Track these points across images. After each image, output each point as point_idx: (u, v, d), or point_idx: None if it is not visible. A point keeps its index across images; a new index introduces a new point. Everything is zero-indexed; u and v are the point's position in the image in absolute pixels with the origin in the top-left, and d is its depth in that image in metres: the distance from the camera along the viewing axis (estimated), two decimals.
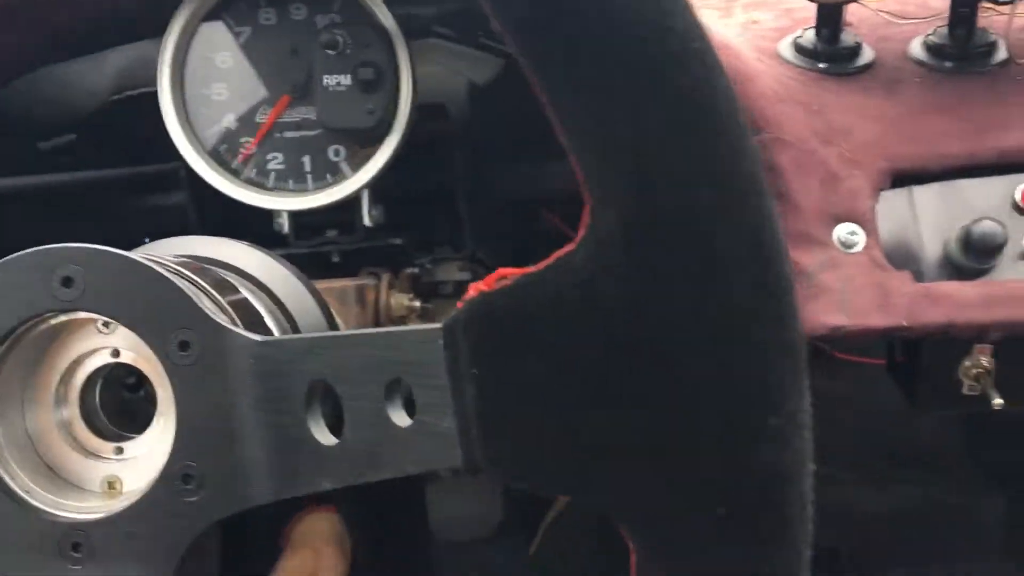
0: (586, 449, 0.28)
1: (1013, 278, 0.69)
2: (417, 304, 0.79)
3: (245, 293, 0.49)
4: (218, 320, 0.38)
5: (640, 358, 0.26)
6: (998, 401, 0.70)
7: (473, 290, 0.30)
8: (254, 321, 0.48)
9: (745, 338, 0.26)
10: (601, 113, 0.25)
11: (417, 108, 0.90)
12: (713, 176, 0.26)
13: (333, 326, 0.59)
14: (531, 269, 0.28)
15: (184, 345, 0.38)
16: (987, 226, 0.69)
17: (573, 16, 0.25)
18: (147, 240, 0.97)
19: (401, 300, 0.78)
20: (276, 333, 0.50)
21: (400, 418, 0.34)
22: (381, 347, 0.34)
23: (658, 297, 0.26)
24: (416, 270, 0.84)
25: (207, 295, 0.42)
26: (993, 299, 0.68)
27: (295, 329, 0.54)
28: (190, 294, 0.39)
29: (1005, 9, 0.79)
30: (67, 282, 0.38)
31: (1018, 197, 0.71)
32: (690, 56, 0.26)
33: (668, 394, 0.26)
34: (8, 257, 0.39)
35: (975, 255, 0.70)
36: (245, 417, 0.36)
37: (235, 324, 0.43)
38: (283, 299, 0.54)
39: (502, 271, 0.30)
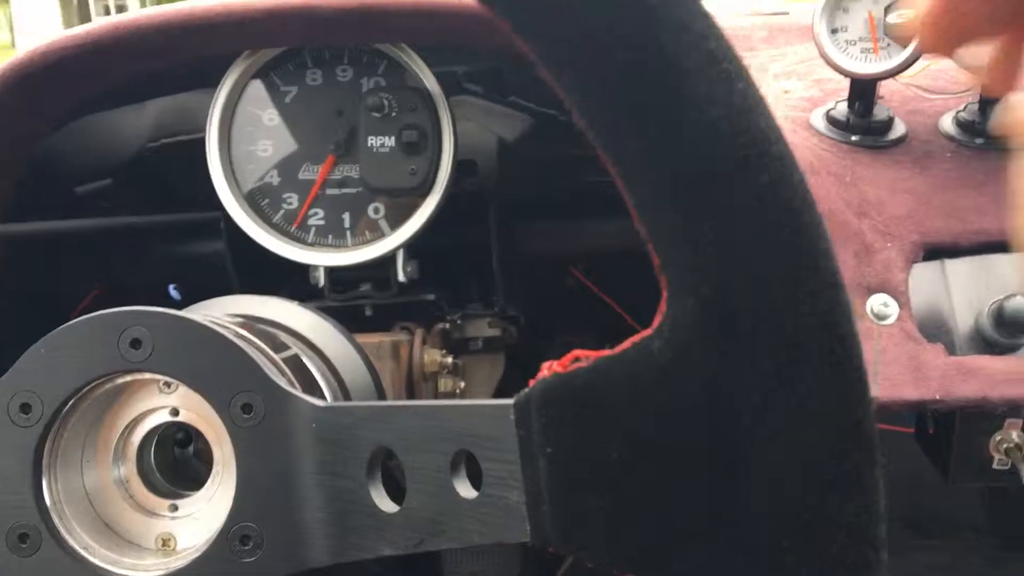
0: (659, 531, 0.28)
1: None
2: (449, 360, 0.80)
3: (298, 352, 0.50)
4: (280, 384, 0.39)
5: (716, 446, 0.27)
6: None
7: (546, 370, 0.30)
8: (307, 380, 0.49)
9: (822, 431, 0.27)
10: (686, 211, 0.26)
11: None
12: (793, 273, 0.27)
13: (378, 384, 0.60)
14: (608, 352, 0.29)
15: (247, 408, 0.39)
16: (1020, 302, 0.70)
17: (654, 120, 0.26)
18: (173, 287, 0.99)
19: (434, 356, 0.79)
20: (327, 392, 0.51)
21: (465, 489, 0.34)
22: (448, 419, 0.35)
23: (736, 388, 0.27)
24: (447, 326, 0.85)
25: (267, 357, 0.43)
26: None
27: (343, 387, 0.55)
28: (253, 357, 0.40)
29: None
30: (136, 344, 0.39)
31: None
32: (770, 157, 0.27)
33: (743, 483, 0.27)
34: (78, 319, 0.40)
35: (1007, 330, 0.70)
36: (306, 480, 0.37)
37: (293, 386, 0.43)
38: (332, 358, 0.55)
39: (577, 352, 0.30)
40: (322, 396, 0.50)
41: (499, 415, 0.33)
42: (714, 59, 0.26)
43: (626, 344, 0.29)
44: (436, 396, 0.81)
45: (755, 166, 0.26)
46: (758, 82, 0.88)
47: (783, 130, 0.76)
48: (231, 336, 0.40)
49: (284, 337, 0.51)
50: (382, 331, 0.82)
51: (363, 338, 0.77)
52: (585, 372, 0.30)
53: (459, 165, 0.98)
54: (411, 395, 0.78)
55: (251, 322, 0.51)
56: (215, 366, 0.40)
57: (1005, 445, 0.73)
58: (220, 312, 0.52)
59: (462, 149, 0.99)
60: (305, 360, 0.50)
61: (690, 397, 0.27)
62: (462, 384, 0.82)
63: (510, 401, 0.33)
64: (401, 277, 0.82)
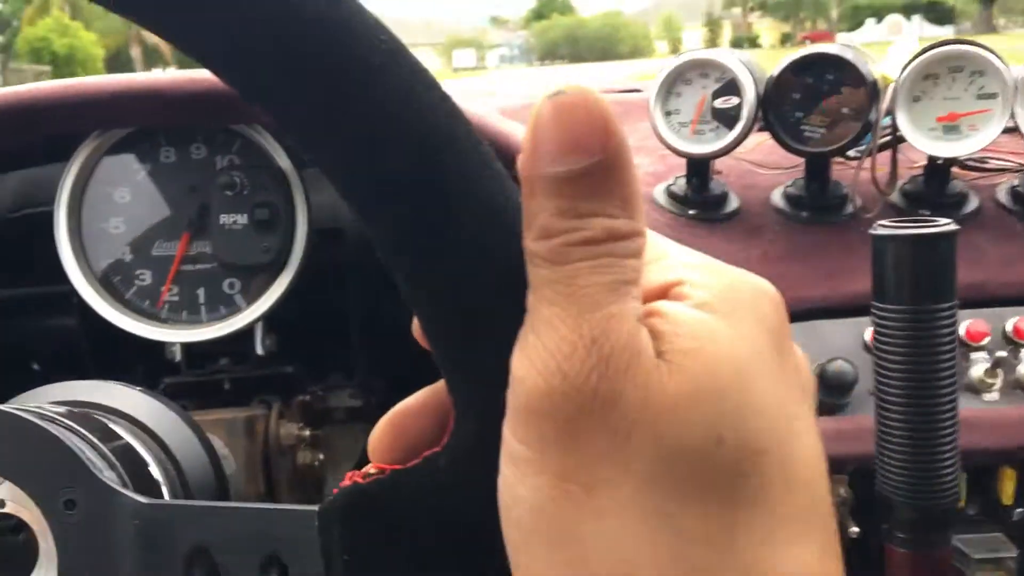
0: None
1: (863, 413, 0.75)
2: (307, 433, 0.80)
3: (130, 439, 0.51)
4: (104, 479, 0.40)
5: (490, 556, 0.29)
6: (854, 530, 0.75)
7: (348, 479, 0.32)
8: (139, 471, 0.49)
9: None
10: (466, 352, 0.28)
11: (316, 232, 0.93)
12: None
13: (218, 467, 0.60)
14: (402, 467, 0.31)
15: (70, 504, 0.39)
16: (840, 366, 0.75)
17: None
18: (36, 366, 0.97)
19: (290, 430, 0.79)
20: (162, 480, 0.51)
21: None
22: (259, 522, 0.36)
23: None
24: (308, 398, 0.86)
25: (93, 448, 0.44)
26: (845, 434, 0.74)
27: (181, 474, 0.55)
28: (77, 452, 0.40)
29: (855, 164, 0.87)
30: None
31: (867, 338, 0.78)
32: None
33: None
34: None
35: (830, 392, 0.76)
36: None
37: (121, 478, 0.44)
38: (169, 444, 0.55)
39: (377, 464, 0.32)
40: (156, 486, 0.50)
41: (306, 519, 0.34)
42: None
43: (419, 459, 0.31)
44: (295, 470, 0.81)
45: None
46: None
47: None
48: (54, 429, 0.41)
49: (117, 425, 0.51)
50: (241, 405, 0.82)
51: (217, 414, 0.78)
52: (380, 483, 0.32)
53: (323, 234, 0.99)
54: (268, 471, 0.78)
55: (82, 410, 0.51)
56: (38, 461, 0.40)
57: (834, 500, 0.77)
58: (47, 400, 0.52)
59: (327, 218, 1.01)
60: (138, 448, 0.50)
61: (468, 512, 0.29)
62: (321, 456, 0.83)
63: (315, 508, 0.34)
64: (259, 350, 0.82)
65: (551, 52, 60.74)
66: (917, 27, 50.81)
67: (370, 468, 0.33)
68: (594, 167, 0.23)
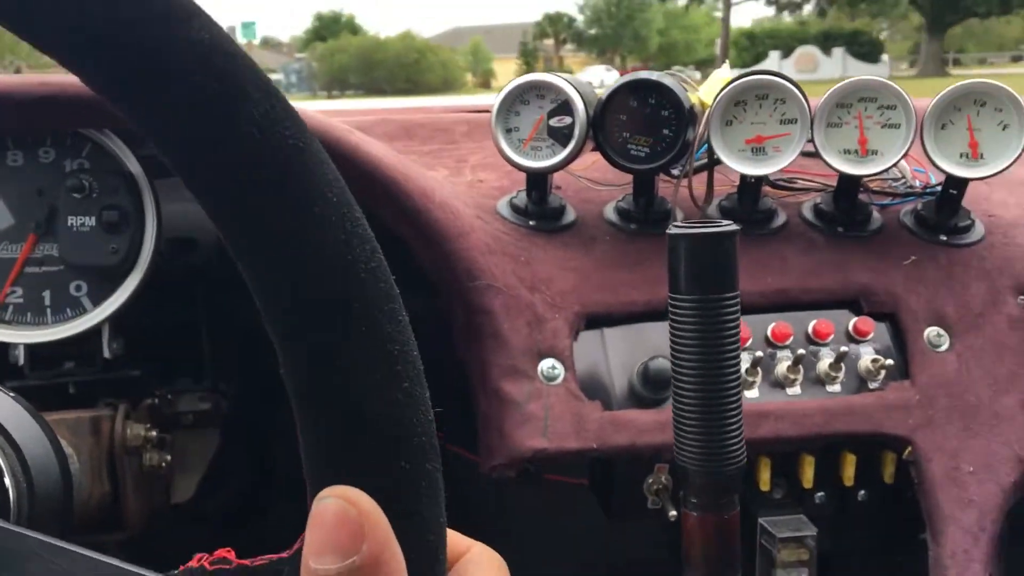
0: None
1: None
2: (154, 434, 0.82)
3: None
4: None
5: None
6: (673, 513, 0.82)
7: (196, 561, 0.34)
8: None
9: None
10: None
11: (168, 242, 0.94)
12: None
13: (63, 463, 0.62)
14: (249, 563, 0.33)
15: None
16: (660, 363, 0.82)
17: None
18: None
19: (137, 431, 0.80)
20: (8, 478, 0.52)
21: None
22: (94, 574, 0.34)
23: None
24: (155, 401, 0.87)
25: None
26: (666, 424, 0.81)
27: (27, 471, 0.56)
28: None
29: (677, 181, 0.96)
30: None
31: None
32: None
33: None
34: None
35: (652, 387, 0.83)
36: None
37: None
38: (18, 439, 0.56)
39: (223, 552, 0.34)
40: (2, 486, 0.51)
41: None
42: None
43: (264, 559, 0.33)
44: (141, 471, 0.82)
45: None
46: (458, 172, 0.98)
47: (469, 216, 0.85)
48: None
49: None
50: (87, 408, 0.82)
51: (62, 414, 0.78)
52: (223, 574, 0.33)
53: (177, 242, 1.01)
54: (112, 471, 0.79)
55: None
56: None
57: (656, 487, 0.85)
58: None
59: (181, 227, 1.02)
60: None
61: None
62: (168, 458, 0.84)
63: None
64: (106, 354, 0.83)
65: (340, 81, 47.37)
66: (839, 64, 39.80)
67: (220, 554, 0.34)
68: (348, 569, 0.26)
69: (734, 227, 0.55)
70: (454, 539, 0.33)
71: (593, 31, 54.31)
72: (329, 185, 0.29)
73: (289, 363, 0.30)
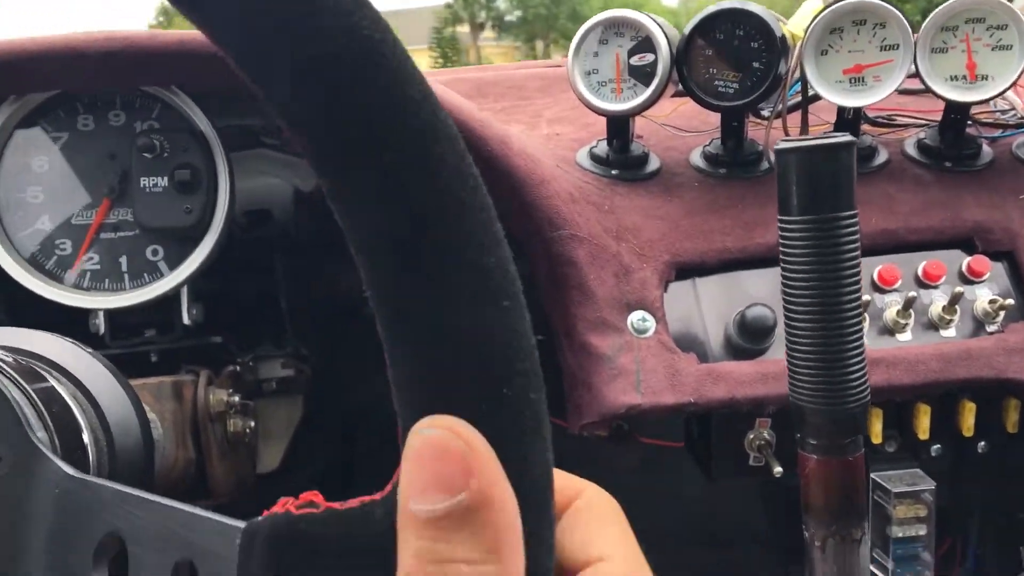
0: None
1: (782, 357, 0.77)
2: (236, 399, 0.80)
3: (68, 399, 0.50)
4: (35, 440, 0.39)
5: None
6: (778, 470, 0.77)
7: (280, 506, 0.32)
8: (72, 436, 0.48)
9: None
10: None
11: (244, 214, 0.92)
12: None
13: (145, 425, 0.60)
14: (339, 506, 0.30)
15: None
16: (759, 311, 0.77)
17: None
18: None
19: (220, 396, 0.78)
20: (91, 447, 0.50)
21: None
22: (180, 524, 0.34)
23: None
24: (237, 368, 0.85)
25: (32, 405, 0.43)
26: (767, 376, 0.76)
27: (108, 433, 0.54)
28: (14, 406, 0.39)
29: (767, 123, 0.90)
30: None
31: None
32: None
33: None
34: None
35: (750, 337, 0.78)
36: (34, 548, 0.36)
37: (52, 440, 0.43)
38: (100, 400, 0.54)
39: (310, 495, 0.32)
40: (84, 453, 0.50)
41: (228, 535, 0.33)
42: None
43: (355, 502, 0.30)
44: (226, 437, 0.80)
45: None
46: (533, 127, 0.94)
47: (548, 165, 0.81)
48: None
49: (57, 383, 0.51)
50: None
51: (145, 380, 0.77)
52: (311, 519, 0.30)
53: (254, 214, 0.99)
54: (196, 437, 0.77)
55: (27, 362, 0.50)
56: None
57: (757, 442, 0.80)
58: None
59: (258, 199, 1.01)
60: (75, 411, 0.50)
61: (393, 567, 0.28)
62: (252, 424, 0.82)
63: (242, 524, 0.33)
64: (186, 320, 0.81)
65: None
66: None
67: (306, 497, 0.32)
68: (455, 508, 0.22)
69: (849, 138, 0.50)
70: (564, 481, 0.29)
71: (519, 12, 42.67)
72: (413, 77, 0.26)
73: (375, 279, 0.27)
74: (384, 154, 0.26)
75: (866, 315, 0.79)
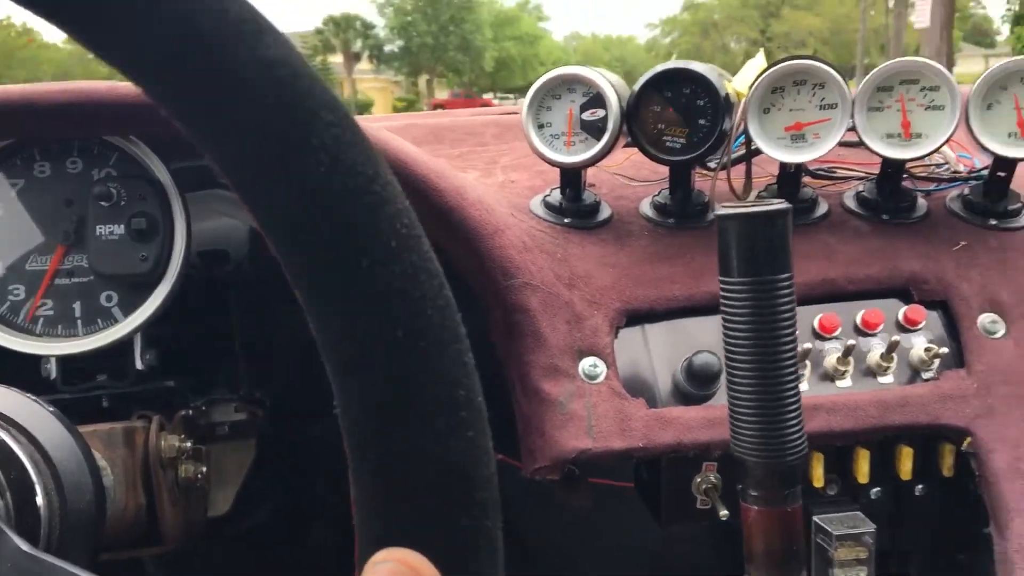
0: None
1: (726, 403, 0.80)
2: (188, 445, 0.80)
3: (23, 459, 0.51)
4: None
5: None
6: (724, 513, 0.79)
7: None
8: (26, 501, 0.49)
9: None
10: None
11: (199, 255, 0.93)
12: None
13: (98, 481, 0.60)
14: None
15: None
16: (705, 358, 0.80)
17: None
18: None
19: (172, 442, 0.79)
20: (43, 511, 0.51)
21: None
22: None
23: None
24: (190, 412, 0.85)
25: None
26: (713, 421, 0.78)
27: (59, 485, 0.54)
28: None
29: (714, 175, 0.93)
30: None
31: None
32: None
33: None
34: None
35: (697, 383, 0.80)
36: None
37: (7, 508, 0.44)
38: (50, 452, 0.54)
39: None
40: (37, 519, 0.50)
41: None
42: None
43: None
44: (177, 483, 0.80)
45: None
46: (489, 174, 0.96)
47: (504, 214, 0.83)
48: None
49: (7, 432, 0.51)
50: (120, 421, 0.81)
51: (95, 427, 0.77)
52: None
53: (209, 255, 1.00)
54: (147, 483, 0.77)
55: None
56: None
57: (704, 486, 0.82)
58: None
59: (213, 240, 1.01)
60: (24, 461, 0.50)
61: None
62: (204, 469, 0.82)
63: None
64: (139, 365, 0.82)
65: None
66: None
67: None
68: None
69: (785, 205, 0.53)
70: None
71: (400, 42, 37.55)
72: (400, 216, 0.28)
73: (345, 403, 0.28)
74: (366, 292, 0.27)
75: (807, 362, 0.82)
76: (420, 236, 0.28)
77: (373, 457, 0.27)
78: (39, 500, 0.52)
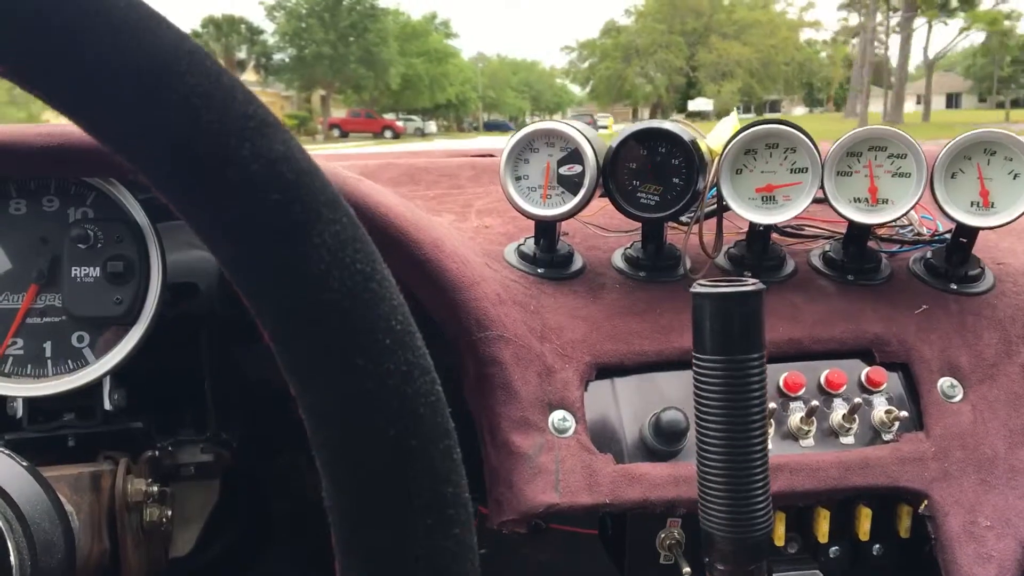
0: None
1: (694, 460, 0.81)
2: (155, 489, 0.79)
3: None
4: None
5: None
6: (687, 570, 0.80)
7: None
8: None
9: None
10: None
11: (170, 288, 0.92)
12: None
13: (67, 528, 0.60)
14: None
15: None
16: (672, 415, 0.81)
17: None
18: None
19: (138, 486, 0.78)
20: (13, 552, 0.51)
21: None
22: None
23: None
24: (156, 453, 0.85)
25: None
26: (679, 479, 0.79)
27: (28, 534, 0.54)
28: None
29: (687, 229, 0.95)
30: None
31: None
32: None
33: None
34: None
35: (664, 439, 0.81)
36: None
37: None
38: (18, 501, 0.54)
39: None
40: (8, 565, 0.50)
41: None
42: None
43: None
44: (141, 527, 0.80)
45: None
46: (463, 217, 0.97)
47: (478, 264, 0.84)
48: None
49: None
50: (87, 461, 0.80)
51: (62, 470, 0.76)
52: None
53: (178, 288, 0.99)
54: (112, 529, 0.77)
55: None
56: None
57: (668, 542, 0.83)
58: None
59: (183, 273, 1.01)
60: (2, 528, 0.50)
61: None
62: (169, 513, 0.81)
63: None
64: (107, 405, 0.81)
65: None
66: None
67: None
68: None
69: (760, 286, 0.54)
70: None
71: (292, 51, 31.86)
72: (394, 313, 0.28)
73: (334, 496, 0.28)
74: (360, 390, 0.27)
75: (772, 421, 0.84)
76: (414, 332, 0.29)
77: (362, 552, 0.28)
78: (12, 560, 0.52)
